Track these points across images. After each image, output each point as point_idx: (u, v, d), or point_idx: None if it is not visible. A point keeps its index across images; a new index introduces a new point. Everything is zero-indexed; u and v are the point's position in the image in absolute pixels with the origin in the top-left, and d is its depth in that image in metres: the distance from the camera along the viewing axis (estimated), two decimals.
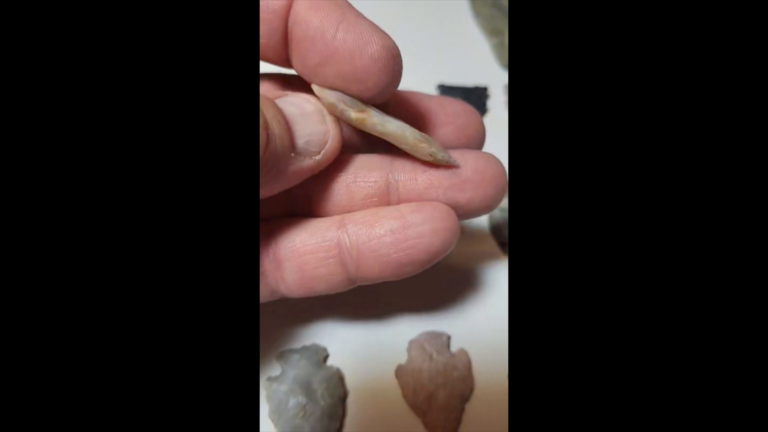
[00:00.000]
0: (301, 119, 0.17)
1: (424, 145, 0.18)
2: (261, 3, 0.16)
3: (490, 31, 0.35)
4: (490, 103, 0.32)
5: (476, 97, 0.32)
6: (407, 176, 0.19)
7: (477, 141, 0.22)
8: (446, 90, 0.32)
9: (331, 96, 0.17)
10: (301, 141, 0.17)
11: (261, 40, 0.17)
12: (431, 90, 0.32)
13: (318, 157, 0.17)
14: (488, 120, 0.32)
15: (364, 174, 0.19)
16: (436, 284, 0.26)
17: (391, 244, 0.18)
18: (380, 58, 0.16)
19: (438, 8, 0.37)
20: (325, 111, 0.17)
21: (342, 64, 0.16)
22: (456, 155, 0.19)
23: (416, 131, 0.18)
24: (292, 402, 0.22)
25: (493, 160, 0.19)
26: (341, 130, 0.18)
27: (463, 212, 0.19)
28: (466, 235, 0.28)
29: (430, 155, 0.18)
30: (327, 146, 0.17)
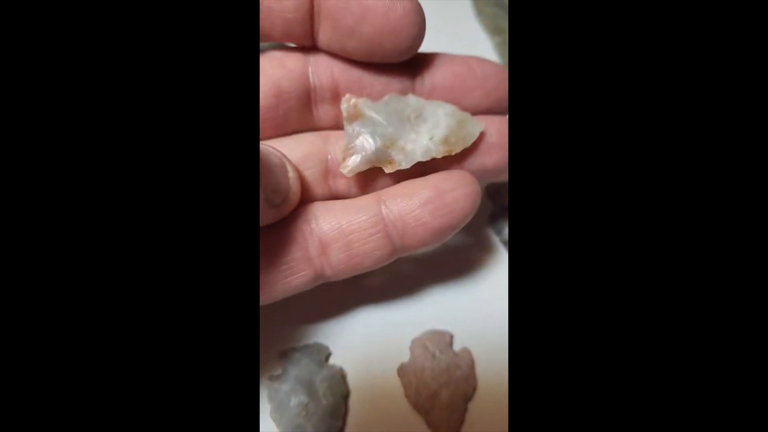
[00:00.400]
0: (268, 171, 0.17)
1: (452, 149, 0.20)
2: None
3: (493, 30, 0.35)
4: None
5: None
6: None
7: (506, 102, 0.22)
8: None
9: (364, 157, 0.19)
10: (267, 190, 0.17)
11: (287, 15, 0.18)
12: None
13: (278, 208, 0.18)
14: None
15: None
16: (439, 282, 0.26)
17: (431, 211, 0.19)
18: (411, 11, 0.18)
19: (441, 7, 0.36)
20: (288, 166, 0.18)
21: (377, 19, 0.18)
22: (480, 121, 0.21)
23: (438, 141, 0.20)
24: (294, 401, 0.22)
25: None
26: (300, 187, 0.19)
27: (488, 174, 0.21)
28: (469, 233, 0.28)
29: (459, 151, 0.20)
30: (287, 199, 0.18)
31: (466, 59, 0.21)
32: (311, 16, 0.18)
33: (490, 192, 0.28)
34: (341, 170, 0.20)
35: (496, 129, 0.21)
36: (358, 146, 0.19)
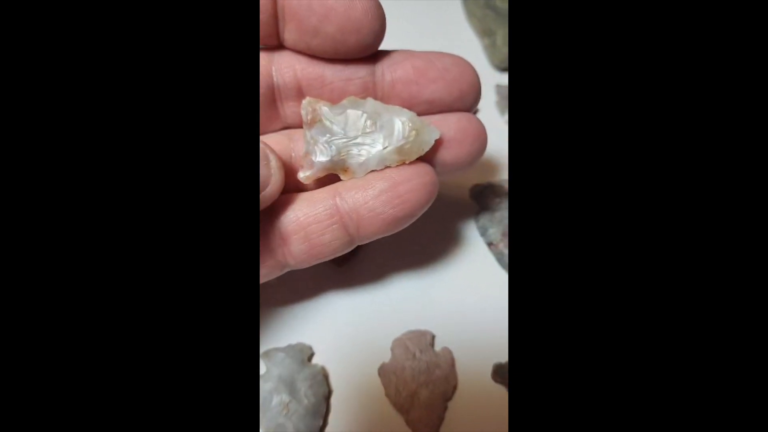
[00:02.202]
0: None
1: (405, 159, 0.20)
2: None
3: (483, 32, 0.35)
4: (481, 104, 0.32)
5: None
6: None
7: (471, 95, 0.22)
8: None
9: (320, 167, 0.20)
10: None
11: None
12: None
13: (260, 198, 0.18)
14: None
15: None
16: (422, 283, 0.26)
17: (385, 202, 0.20)
18: (370, 8, 0.19)
19: (431, 8, 0.37)
20: (271, 156, 0.19)
21: (339, 18, 0.19)
22: (437, 120, 0.21)
23: (393, 150, 0.20)
24: (276, 400, 0.22)
25: (473, 119, 0.21)
26: (283, 177, 0.19)
27: (449, 168, 0.22)
28: (453, 235, 0.28)
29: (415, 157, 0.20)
30: (267, 190, 0.18)
31: (426, 54, 0.21)
32: (275, 18, 0.19)
33: (475, 193, 0.29)
34: (299, 177, 0.20)
35: (455, 124, 0.21)
36: (315, 155, 0.20)
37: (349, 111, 0.20)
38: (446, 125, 0.21)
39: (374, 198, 0.20)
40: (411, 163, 0.20)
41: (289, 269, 0.21)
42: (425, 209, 0.21)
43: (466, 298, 0.26)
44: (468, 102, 0.21)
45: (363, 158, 0.20)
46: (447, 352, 0.24)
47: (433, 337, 0.24)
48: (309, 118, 0.20)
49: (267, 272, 0.21)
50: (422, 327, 0.25)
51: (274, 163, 0.19)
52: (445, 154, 0.21)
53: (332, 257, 0.21)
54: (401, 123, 0.20)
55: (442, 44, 0.35)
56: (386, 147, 0.20)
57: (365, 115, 0.20)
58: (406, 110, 0.20)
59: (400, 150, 0.20)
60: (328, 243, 0.20)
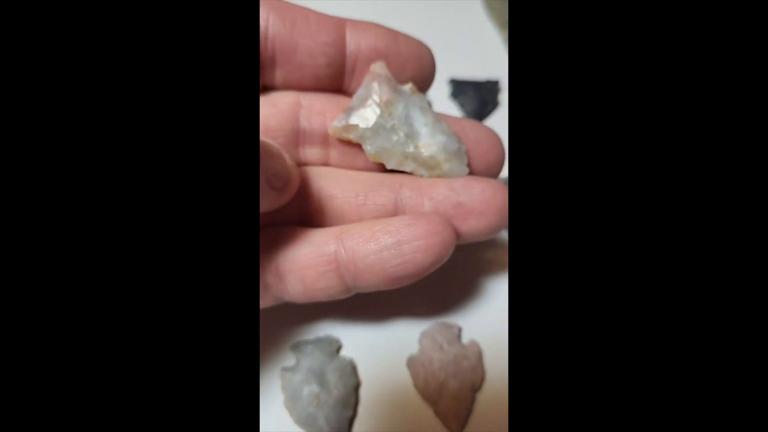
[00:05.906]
0: (268, 156, 0.17)
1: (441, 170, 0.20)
2: (310, 38, 0.18)
3: (502, 25, 0.35)
4: (502, 97, 0.32)
5: (487, 91, 0.32)
6: (415, 201, 0.20)
7: (497, 166, 0.21)
8: (458, 84, 0.32)
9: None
10: (267, 173, 0.17)
11: (318, 71, 0.19)
12: (443, 84, 0.32)
13: (280, 192, 0.18)
14: (500, 114, 0.32)
15: (373, 196, 0.20)
16: (448, 277, 0.26)
17: (386, 260, 0.18)
18: (431, 57, 0.20)
19: (450, 1, 0.37)
20: (287, 156, 0.18)
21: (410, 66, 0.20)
22: (461, 184, 0.20)
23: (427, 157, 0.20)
24: (306, 391, 0.23)
25: (500, 189, 0.20)
26: (299, 174, 0.18)
27: (464, 239, 0.20)
28: None
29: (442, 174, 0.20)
30: (288, 184, 0.18)
31: (460, 121, 0.21)
32: (343, 71, 0.19)
33: None
34: (330, 127, 0.20)
35: (478, 195, 0.19)
36: (359, 116, 0.19)
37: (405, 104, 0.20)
38: (469, 194, 0.19)
39: (375, 253, 0.18)
40: (425, 215, 0.19)
41: (284, 301, 0.20)
42: (433, 269, 0.19)
43: (492, 291, 0.26)
44: (491, 175, 0.21)
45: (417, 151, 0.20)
46: (474, 344, 0.24)
47: (460, 329, 0.25)
48: (374, 71, 0.20)
49: (262, 303, 0.20)
50: (449, 320, 0.25)
51: (290, 162, 0.18)
52: (463, 225, 0.19)
53: (328, 300, 0.20)
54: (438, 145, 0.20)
55: (462, 38, 0.35)
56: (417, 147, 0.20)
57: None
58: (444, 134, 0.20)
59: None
60: (322, 288, 0.19)
